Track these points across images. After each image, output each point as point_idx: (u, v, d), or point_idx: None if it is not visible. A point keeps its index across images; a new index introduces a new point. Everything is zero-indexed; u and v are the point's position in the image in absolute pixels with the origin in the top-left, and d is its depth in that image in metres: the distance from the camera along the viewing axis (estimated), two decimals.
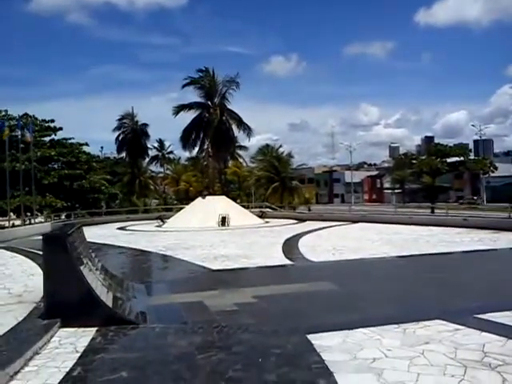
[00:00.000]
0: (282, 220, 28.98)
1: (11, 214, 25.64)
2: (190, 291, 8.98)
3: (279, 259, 12.89)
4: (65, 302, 6.66)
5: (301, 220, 28.35)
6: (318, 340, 5.57)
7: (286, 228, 23.65)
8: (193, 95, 44.85)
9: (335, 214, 31.20)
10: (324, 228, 22.28)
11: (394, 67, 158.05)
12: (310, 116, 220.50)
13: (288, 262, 12.51)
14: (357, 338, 5.63)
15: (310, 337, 5.70)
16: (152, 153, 57.39)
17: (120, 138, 50.48)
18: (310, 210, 46.40)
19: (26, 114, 33.91)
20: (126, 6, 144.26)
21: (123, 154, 51.96)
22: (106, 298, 7.13)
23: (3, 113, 27.49)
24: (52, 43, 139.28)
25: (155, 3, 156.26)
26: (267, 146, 61.26)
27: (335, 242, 16.63)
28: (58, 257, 6.83)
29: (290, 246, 15.53)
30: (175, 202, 51.48)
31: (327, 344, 5.43)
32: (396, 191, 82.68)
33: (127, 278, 10.13)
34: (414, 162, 72.28)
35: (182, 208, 32.45)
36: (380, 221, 24.68)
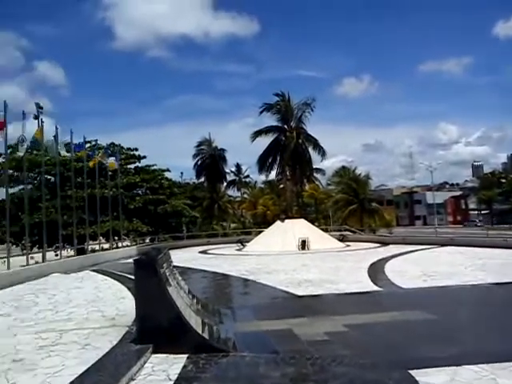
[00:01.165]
0: (362, 243, 28.10)
1: (100, 237, 26.95)
2: (277, 318, 8.74)
3: (366, 285, 12.34)
4: (156, 327, 6.68)
5: (383, 243, 27.30)
6: (423, 377, 5.12)
7: (368, 252, 22.85)
8: (269, 119, 45.39)
9: (420, 237, 29.81)
10: (410, 252, 21.24)
11: (472, 83, 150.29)
12: (384, 136, 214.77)
13: (376, 288, 11.93)
14: (467, 377, 5.11)
15: (412, 372, 5.25)
16: (229, 177, 58.57)
17: (199, 163, 51.97)
18: (391, 232, 44.80)
19: (112, 143, 35.88)
20: (202, 38, 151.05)
21: (202, 179, 53.39)
22: (196, 323, 7.09)
23: (93, 142, 29.26)
24: (134, 77, 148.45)
25: (229, 33, 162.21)
26: (343, 167, 60.43)
27: (424, 266, 15.72)
28: (149, 281, 6.89)
29: (376, 271, 14.88)
30: (253, 225, 51.79)
31: (434, 382, 4.97)
32: (483, 212, 77.99)
33: (212, 303, 10.13)
34: (503, 180, 67.84)
35: (260, 231, 32.50)
36: (470, 244, 23.13)
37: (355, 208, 50.62)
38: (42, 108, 19.70)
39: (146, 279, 6.93)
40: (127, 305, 9.64)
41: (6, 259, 16.25)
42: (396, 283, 12.31)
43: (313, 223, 35.82)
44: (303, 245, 25.40)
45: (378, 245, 26.70)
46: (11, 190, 25.30)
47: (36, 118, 19.26)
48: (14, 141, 18.49)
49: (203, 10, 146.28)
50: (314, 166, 48.51)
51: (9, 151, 19.23)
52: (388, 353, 6.40)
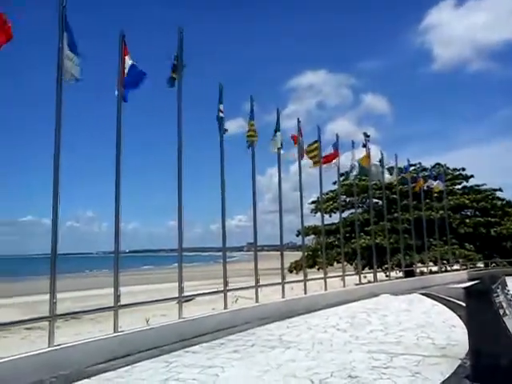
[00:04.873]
0: None
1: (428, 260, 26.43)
2: None
3: None
4: (491, 365, 6.06)
5: None
6: None
7: None
8: None
9: None
10: None
11: None
12: None
13: None
14: None
15: None
16: None
17: None
18: None
19: (437, 164, 35.11)
20: None
21: None
22: None
23: (417, 165, 29.24)
24: (455, 95, 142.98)
25: None
26: None
27: None
28: (482, 313, 6.34)
29: None
30: None
31: None
32: None
33: None
34: None
35: None
36: None
37: None
38: (368, 136, 20.99)
39: (479, 310, 6.40)
40: (459, 334, 9.13)
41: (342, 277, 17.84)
42: None
43: None
44: None
45: None
46: (344, 214, 27.68)
47: (364, 146, 20.66)
48: (346, 169, 20.24)
49: None
50: None
51: (341, 178, 21.21)
52: None
